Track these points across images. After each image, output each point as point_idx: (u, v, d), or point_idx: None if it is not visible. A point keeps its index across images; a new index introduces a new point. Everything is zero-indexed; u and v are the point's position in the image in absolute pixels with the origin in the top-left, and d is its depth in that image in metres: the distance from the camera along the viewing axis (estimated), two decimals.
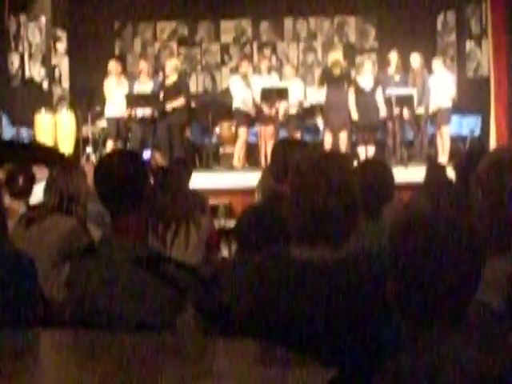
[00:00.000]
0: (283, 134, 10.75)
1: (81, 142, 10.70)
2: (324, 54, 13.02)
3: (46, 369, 2.03)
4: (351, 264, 2.09)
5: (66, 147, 10.25)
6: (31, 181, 4.85)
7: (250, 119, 10.90)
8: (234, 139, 11.03)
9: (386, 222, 3.40)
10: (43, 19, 11.62)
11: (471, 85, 11.58)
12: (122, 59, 12.48)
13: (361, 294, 2.03)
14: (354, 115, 10.58)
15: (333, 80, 10.37)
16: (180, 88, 10.56)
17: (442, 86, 10.62)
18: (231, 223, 6.59)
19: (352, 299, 2.03)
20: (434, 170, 6.01)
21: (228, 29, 13.59)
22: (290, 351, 1.89)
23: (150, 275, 2.36)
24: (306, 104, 11.19)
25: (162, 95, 10.45)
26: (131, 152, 3.18)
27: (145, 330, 2.27)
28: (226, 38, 13.62)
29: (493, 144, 10.51)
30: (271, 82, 10.90)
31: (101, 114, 11.18)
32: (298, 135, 10.76)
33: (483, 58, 11.30)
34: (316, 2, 13.03)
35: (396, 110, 10.55)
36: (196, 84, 13.49)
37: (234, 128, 11.14)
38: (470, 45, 11.71)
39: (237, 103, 10.76)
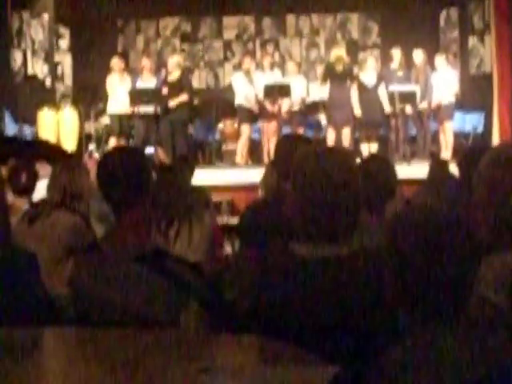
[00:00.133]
0: (286, 130, 10.73)
1: (84, 139, 10.71)
2: (327, 50, 12.99)
3: (49, 366, 2.03)
4: (354, 261, 2.09)
5: (69, 144, 10.24)
6: (34, 177, 4.86)
7: (253, 116, 10.89)
8: (236, 136, 11.02)
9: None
10: (46, 16, 11.62)
11: (474, 81, 11.55)
12: (124, 56, 12.47)
13: (364, 290, 2.03)
14: (357, 111, 10.57)
15: (336, 76, 10.35)
16: (183, 84, 10.56)
17: (444, 82, 10.60)
18: (234, 220, 6.61)
19: (355, 296, 2.03)
20: (437, 166, 6.00)
21: (231, 25, 13.58)
22: (293, 348, 1.89)
23: (154, 272, 2.36)
24: (309, 100, 11.18)
25: (164, 92, 10.45)
26: (134, 148, 3.18)
27: (148, 327, 2.27)
28: (229, 34, 13.62)
29: (496, 140, 10.49)
30: (274, 78, 10.89)
31: (103, 111, 11.18)
32: (300, 132, 10.74)
33: (486, 54, 11.28)
34: None
35: (399, 107, 10.54)
36: (199, 80, 13.48)
37: (236, 124, 11.13)
38: (472, 41, 11.69)
39: (239, 100, 10.75)
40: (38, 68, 11.45)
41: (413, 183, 6.65)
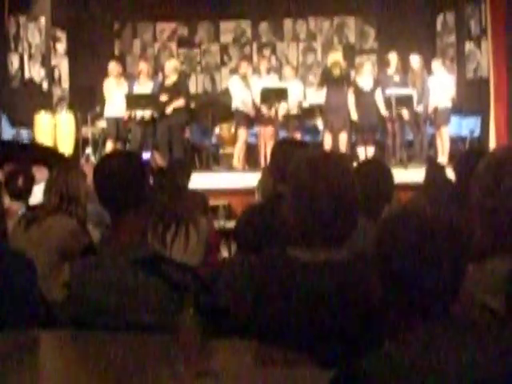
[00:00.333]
0: (283, 134, 10.73)
1: (80, 143, 10.70)
2: (324, 54, 13.00)
3: (45, 369, 2.03)
4: (351, 265, 2.09)
5: (66, 148, 10.24)
6: (31, 181, 4.86)
7: (250, 120, 10.89)
8: (233, 140, 11.02)
9: None
10: (43, 20, 11.62)
11: (471, 85, 11.57)
12: (121, 60, 12.48)
13: (360, 294, 2.03)
14: (354, 116, 10.59)
15: (332, 81, 10.36)
16: (180, 89, 10.56)
17: (441, 86, 10.62)
18: (231, 224, 6.60)
19: (351, 300, 2.03)
20: (434, 170, 6.01)
21: (227, 29, 13.59)
22: (289, 351, 1.89)
23: (150, 276, 2.36)
24: (306, 105, 11.19)
25: (161, 96, 10.45)
26: (131, 153, 3.18)
27: (144, 331, 2.27)
28: (226, 38, 13.62)
29: (492, 145, 10.50)
30: (271, 82, 10.89)
31: (100, 115, 11.18)
32: (297, 136, 10.75)
33: (483, 58, 11.29)
34: (315, 2, 13.04)
35: (395, 111, 10.56)
36: (196, 85, 13.49)
37: (233, 129, 11.13)
38: (469, 46, 11.71)
39: (236, 104, 10.76)
40: (35, 72, 11.45)
41: (409, 188, 6.66)
